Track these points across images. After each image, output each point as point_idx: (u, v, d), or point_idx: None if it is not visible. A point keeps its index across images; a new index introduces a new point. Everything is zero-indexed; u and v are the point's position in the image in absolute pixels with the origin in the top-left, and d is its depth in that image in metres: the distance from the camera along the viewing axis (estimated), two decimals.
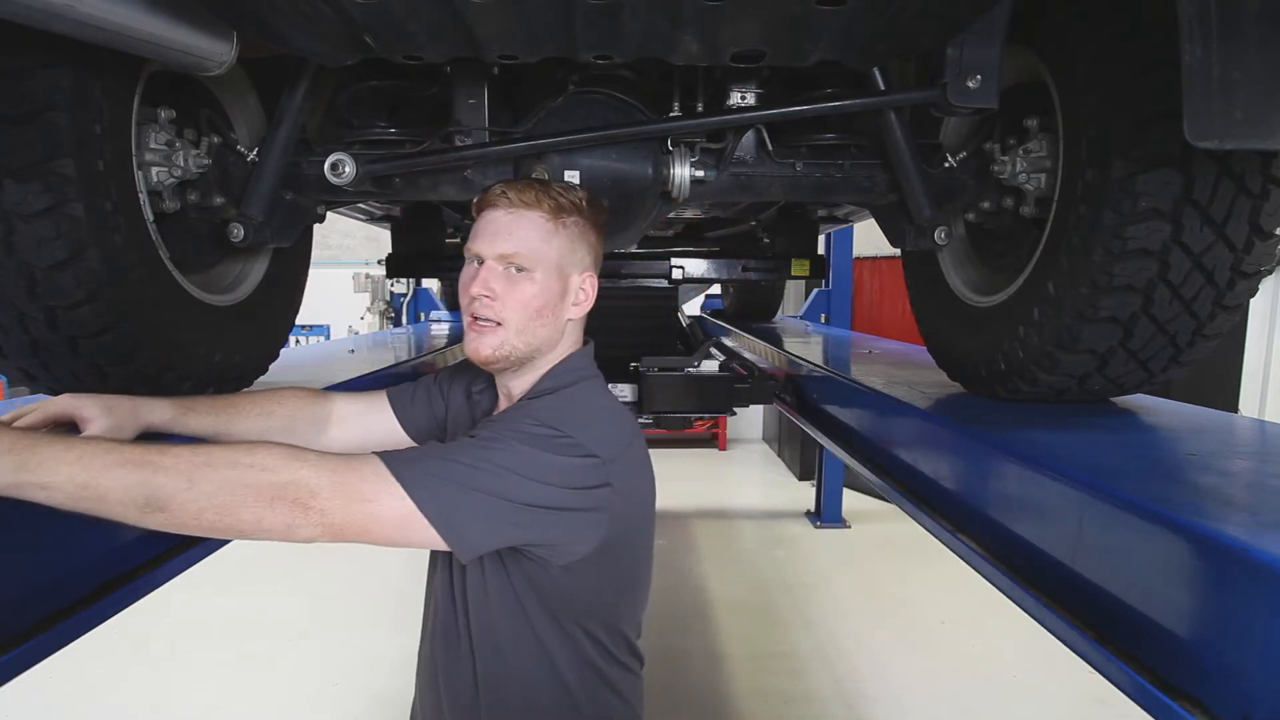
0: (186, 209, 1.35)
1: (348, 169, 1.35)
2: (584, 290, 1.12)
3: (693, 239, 3.46)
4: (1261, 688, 0.68)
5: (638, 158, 1.47)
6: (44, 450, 0.74)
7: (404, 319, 6.78)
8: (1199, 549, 0.75)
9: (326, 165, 1.35)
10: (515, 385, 1.13)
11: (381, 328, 7.50)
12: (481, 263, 1.06)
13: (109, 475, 0.74)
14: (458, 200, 2.59)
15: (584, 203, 1.10)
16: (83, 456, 0.74)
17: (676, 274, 3.14)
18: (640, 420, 2.32)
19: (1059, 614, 0.95)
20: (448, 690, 1.13)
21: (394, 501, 0.86)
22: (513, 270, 1.05)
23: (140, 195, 1.18)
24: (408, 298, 6.74)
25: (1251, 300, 1.29)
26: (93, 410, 0.99)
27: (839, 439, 1.96)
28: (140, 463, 0.76)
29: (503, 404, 1.17)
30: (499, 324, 1.04)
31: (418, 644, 1.25)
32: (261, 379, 1.60)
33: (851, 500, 6.42)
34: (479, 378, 1.25)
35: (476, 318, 1.05)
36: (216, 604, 4.57)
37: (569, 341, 1.14)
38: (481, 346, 1.05)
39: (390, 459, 0.88)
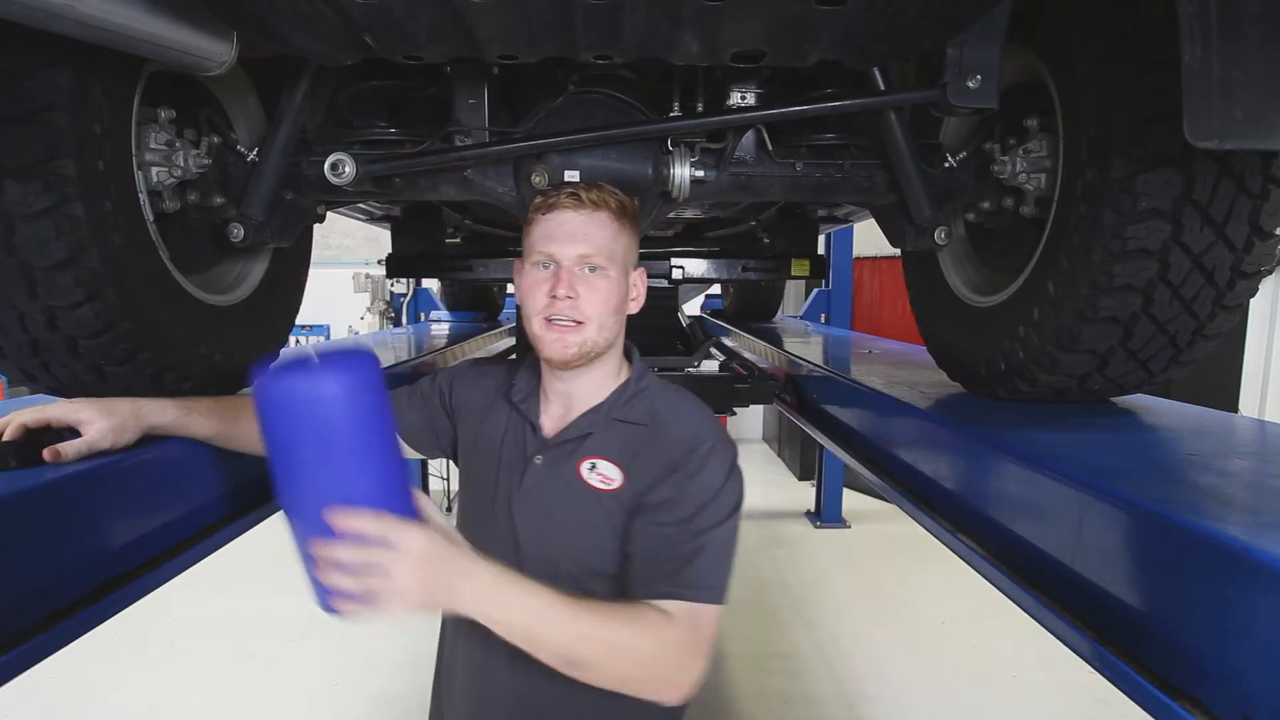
0: (186, 209, 1.35)
1: (348, 169, 1.35)
2: (637, 286, 1.14)
3: (693, 239, 3.46)
4: (1261, 688, 0.68)
5: (638, 158, 1.47)
6: (510, 593, 0.86)
7: (404, 319, 6.78)
8: (1199, 549, 0.75)
9: (326, 165, 1.35)
10: (578, 386, 1.12)
11: (381, 328, 7.50)
12: (555, 265, 1.06)
13: (548, 633, 0.87)
14: (458, 200, 2.60)
15: (632, 202, 1.14)
16: (533, 609, 0.86)
17: (676, 274, 3.13)
18: None
19: (1059, 614, 0.95)
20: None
21: (718, 622, 1.00)
22: (587, 270, 1.06)
23: (140, 195, 1.18)
24: (408, 298, 6.74)
25: (1251, 300, 1.29)
26: (90, 414, 1.00)
27: (839, 439, 1.96)
28: (572, 628, 0.88)
29: (555, 409, 1.13)
30: (580, 323, 1.05)
31: (434, 658, 1.25)
32: None
33: (851, 500, 6.42)
34: (517, 383, 1.19)
35: (555, 319, 1.05)
36: (216, 604, 4.57)
37: (621, 338, 1.16)
38: (568, 346, 1.05)
39: (708, 588, 0.98)
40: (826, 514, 6.31)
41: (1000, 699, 3.75)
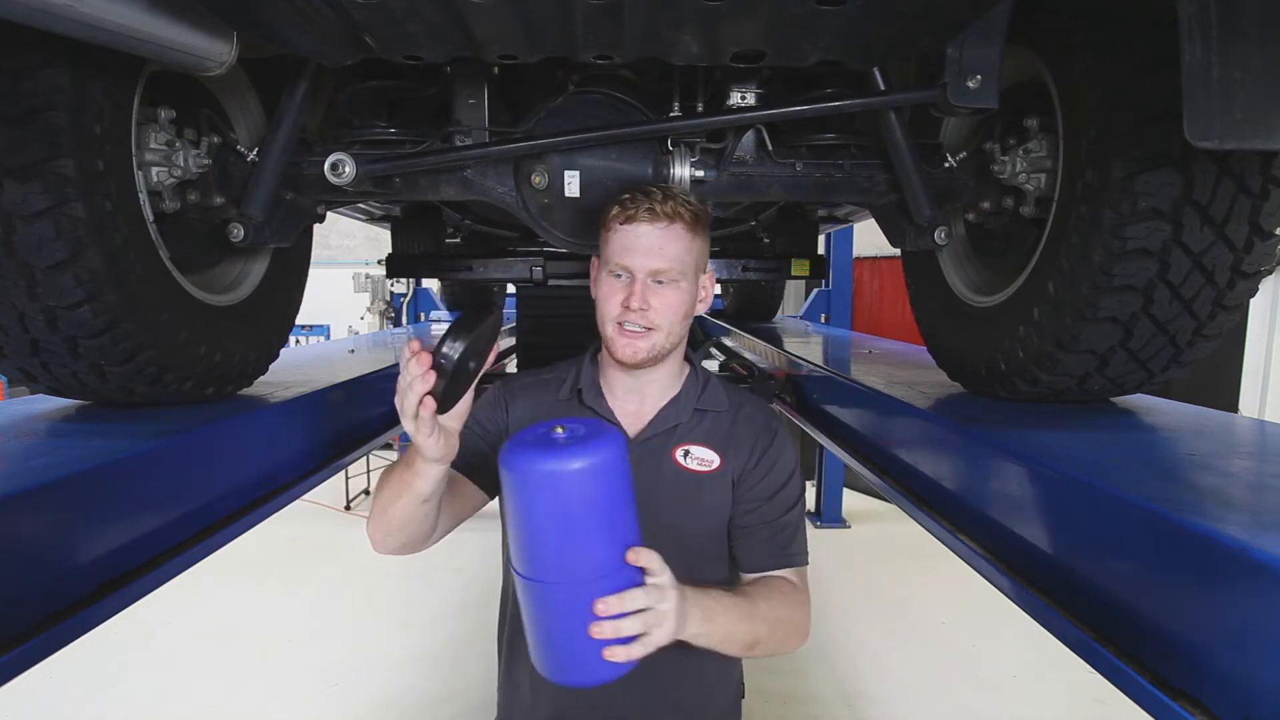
0: (186, 209, 1.35)
1: (348, 169, 1.35)
2: (705, 288, 1.21)
3: None
4: (1261, 688, 0.68)
5: (637, 158, 1.47)
6: (713, 608, 0.99)
7: (404, 319, 6.80)
8: (1199, 549, 0.75)
9: (326, 165, 1.35)
10: (650, 382, 1.20)
11: (381, 328, 7.51)
12: (630, 276, 1.12)
13: (738, 632, 1.04)
14: (458, 200, 2.59)
15: (705, 210, 1.18)
16: (729, 615, 1.02)
17: None
18: None
19: (1059, 614, 0.95)
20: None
21: None
22: (658, 282, 1.12)
23: (140, 195, 1.18)
24: (407, 298, 6.75)
25: (1251, 300, 1.29)
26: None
27: (839, 439, 1.96)
28: (750, 621, 1.05)
29: (629, 405, 1.19)
30: (650, 329, 1.13)
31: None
32: (261, 379, 1.60)
33: (851, 500, 6.43)
34: (583, 384, 1.21)
35: (626, 325, 1.13)
36: (217, 604, 4.58)
37: (686, 336, 1.22)
38: (638, 350, 1.13)
39: (805, 552, 1.18)
40: (826, 514, 6.31)
41: (1000, 699, 3.75)
